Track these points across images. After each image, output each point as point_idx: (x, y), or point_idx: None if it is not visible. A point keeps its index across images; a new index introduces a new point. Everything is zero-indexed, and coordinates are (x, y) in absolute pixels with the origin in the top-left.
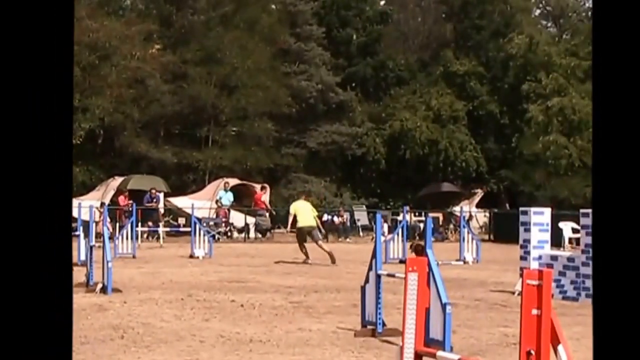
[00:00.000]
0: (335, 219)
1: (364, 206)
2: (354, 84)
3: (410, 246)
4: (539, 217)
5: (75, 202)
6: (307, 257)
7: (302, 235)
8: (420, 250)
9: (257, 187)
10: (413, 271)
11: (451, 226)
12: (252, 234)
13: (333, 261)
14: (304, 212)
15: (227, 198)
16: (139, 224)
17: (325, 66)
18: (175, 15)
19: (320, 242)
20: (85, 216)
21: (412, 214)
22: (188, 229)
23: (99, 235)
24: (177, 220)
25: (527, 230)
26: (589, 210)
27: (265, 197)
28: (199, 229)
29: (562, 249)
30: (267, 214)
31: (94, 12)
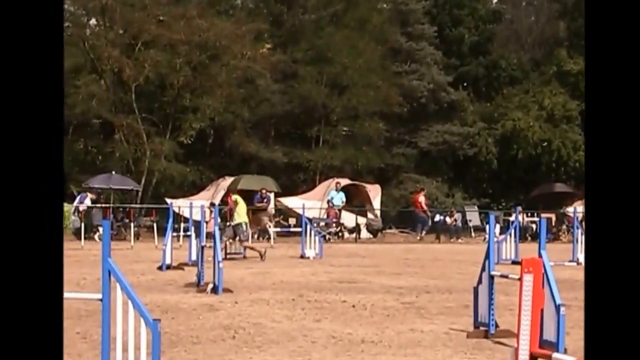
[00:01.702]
0: (447, 219)
1: (476, 206)
2: (465, 84)
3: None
4: None
5: (186, 202)
6: (225, 250)
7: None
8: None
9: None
10: (528, 272)
11: (564, 227)
12: (363, 234)
13: (262, 257)
14: (243, 208)
15: (339, 198)
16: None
17: (436, 65)
18: (286, 14)
19: (245, 243)
20: (196, 216)
21: (524, 215)
22: (298, 229)
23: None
24: (287, 221)
25: None
26: None
27: (423, 198)
28: (310, 229)
29: None
30: (426, 215)
31: (204, 11)
